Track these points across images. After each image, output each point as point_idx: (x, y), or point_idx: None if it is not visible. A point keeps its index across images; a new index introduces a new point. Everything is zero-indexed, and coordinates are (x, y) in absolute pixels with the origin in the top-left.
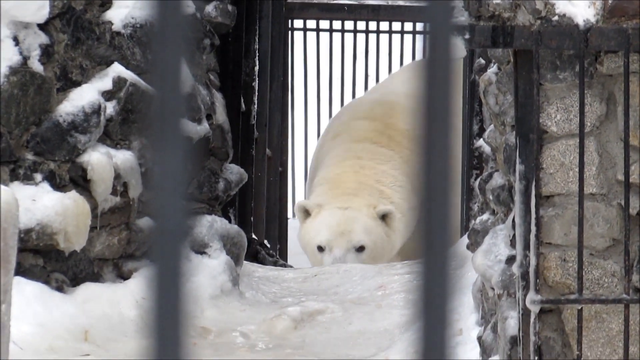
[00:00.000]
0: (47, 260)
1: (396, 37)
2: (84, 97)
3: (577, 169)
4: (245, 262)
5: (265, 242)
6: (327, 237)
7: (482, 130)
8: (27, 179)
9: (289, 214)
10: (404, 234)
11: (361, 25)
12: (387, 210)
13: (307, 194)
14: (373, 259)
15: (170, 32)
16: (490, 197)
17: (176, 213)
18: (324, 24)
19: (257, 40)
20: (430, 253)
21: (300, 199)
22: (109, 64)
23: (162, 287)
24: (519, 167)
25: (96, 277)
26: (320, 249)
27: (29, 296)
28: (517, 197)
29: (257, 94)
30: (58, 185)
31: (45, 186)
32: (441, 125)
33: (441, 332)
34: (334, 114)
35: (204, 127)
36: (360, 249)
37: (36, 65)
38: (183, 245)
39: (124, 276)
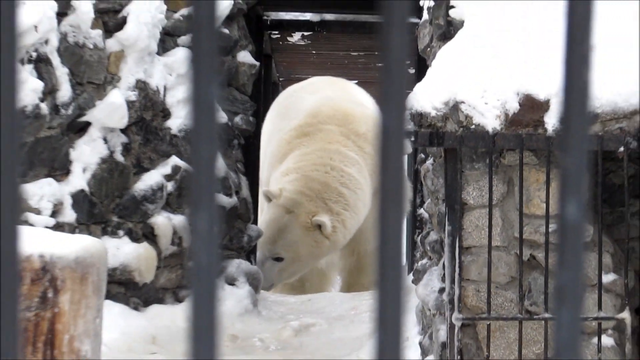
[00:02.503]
0: (127, 289)
1: None
2: (152, 179)
3: (487, 229)
4: (262, 290)
5: None
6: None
7: (422, 202)
8: (113, 234)
9: None
10: (336, 243)
11: None
12: (320, 222)
13: (267, 181)
14: (295, 267)
15: (207, 136)
16: (428, 248)
17: (214, 258)
18: None
19: None
20: (385, 285)
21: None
22: (168, 156)
23: (203, 307)
24: (447, 228)
25: (161, 301)
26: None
27: (114, 313)
28: (446, 248)
29: None
30: (134, 238)
31: (126, 239)
32: (395, 208)
33: (395, 339)
34: None
35: (233, 200)
36: (278, 259)
37: (119, 157)
38: (219, 279)
39: (179, 300)
